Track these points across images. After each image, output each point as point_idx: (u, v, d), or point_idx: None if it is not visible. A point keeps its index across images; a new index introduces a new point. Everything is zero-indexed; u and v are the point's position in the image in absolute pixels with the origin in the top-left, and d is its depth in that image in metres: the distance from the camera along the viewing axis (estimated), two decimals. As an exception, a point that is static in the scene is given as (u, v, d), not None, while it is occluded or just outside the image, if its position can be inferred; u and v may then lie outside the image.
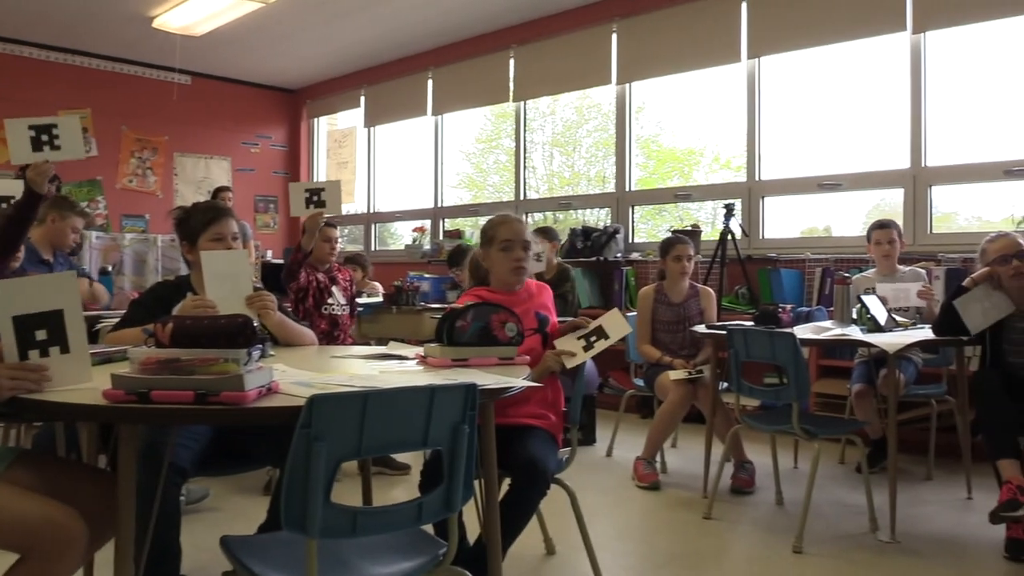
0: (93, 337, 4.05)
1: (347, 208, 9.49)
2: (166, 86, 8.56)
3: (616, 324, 2.57)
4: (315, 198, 3.78)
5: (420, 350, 2.37)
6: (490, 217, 2.85)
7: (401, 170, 9.10)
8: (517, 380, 1.96)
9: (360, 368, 2.15)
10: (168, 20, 7.11)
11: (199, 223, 2.70)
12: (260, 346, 1.64)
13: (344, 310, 4.25)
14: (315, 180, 9.75)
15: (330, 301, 4.16)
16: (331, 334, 4.15)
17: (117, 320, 2.64)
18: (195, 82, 8.81)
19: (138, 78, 8.50)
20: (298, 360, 2.29)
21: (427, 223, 8.36)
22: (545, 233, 5.06)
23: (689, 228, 5.78)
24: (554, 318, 2.79)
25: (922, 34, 4.99)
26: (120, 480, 1.61)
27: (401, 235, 9.25)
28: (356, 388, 1.59)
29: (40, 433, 3.28)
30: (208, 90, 8.92)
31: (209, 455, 2.43)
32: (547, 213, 7.70)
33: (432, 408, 1.62)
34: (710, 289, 4.48)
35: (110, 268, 5.99)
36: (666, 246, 4.42)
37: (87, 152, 7.10)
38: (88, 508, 1.71)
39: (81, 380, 1.68)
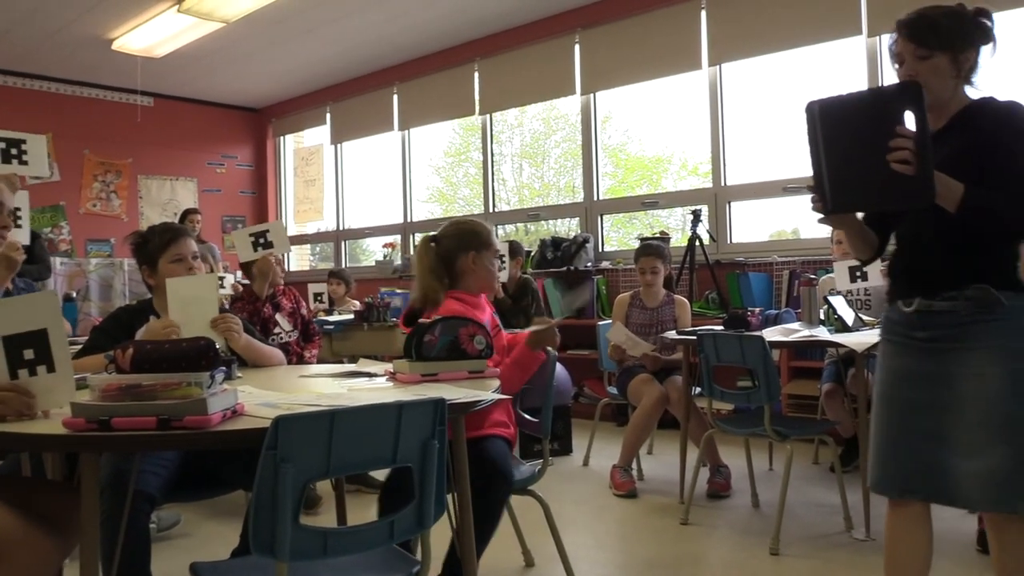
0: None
1: (316, 226, 9.45)
2: (128, 108, 8.47)
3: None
4: (262, 240, 3.76)
5: (390, 366, 2.36)
6: (471, 219, 2.78)
7: (370, 186, 9.08)
8: (487, 393, 1.95)
9: (328, 387, 2.13)
10: (127, 42, 7.04)
11: (157, 246, 2.69)
12: (224, 368, 1.62)
13: (292, 335, 4.14)
14: (283, 198, 9.69)
15: (276, 331, 4.07)
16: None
17: (79, 348, 2.60)
18: (158, 103, 8.73)
19: (99, 101, 8.41)
20: (265, 381, 2.27)
21: (397, 238, 8.34)
22: (514, 249, 5.11)
23: (658, 235, 5.81)
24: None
25: (877, 37, 5.07)
26: (83, 509, 1.58)
27: (373, 251, 9.22)
28: (322, 407, 1.57)
29: (5, 462, 3.22)
30: (171, 111, 8.84)
31: (178, 481, 2.40)
32: (517, 225, 7.71)
33: (400, 425, 1.61)
34: (684, 299, 4.51)
35: (75, 294, 5.90)
36: (635, 257, 4.48)
37: (50, 176, 7.01)
38: (56, 520, 1.70)
39: (67, 399, 1.64)
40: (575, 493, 4.07)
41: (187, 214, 7.16)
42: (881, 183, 1.82)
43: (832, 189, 1.89)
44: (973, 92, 2.03)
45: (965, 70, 1.99)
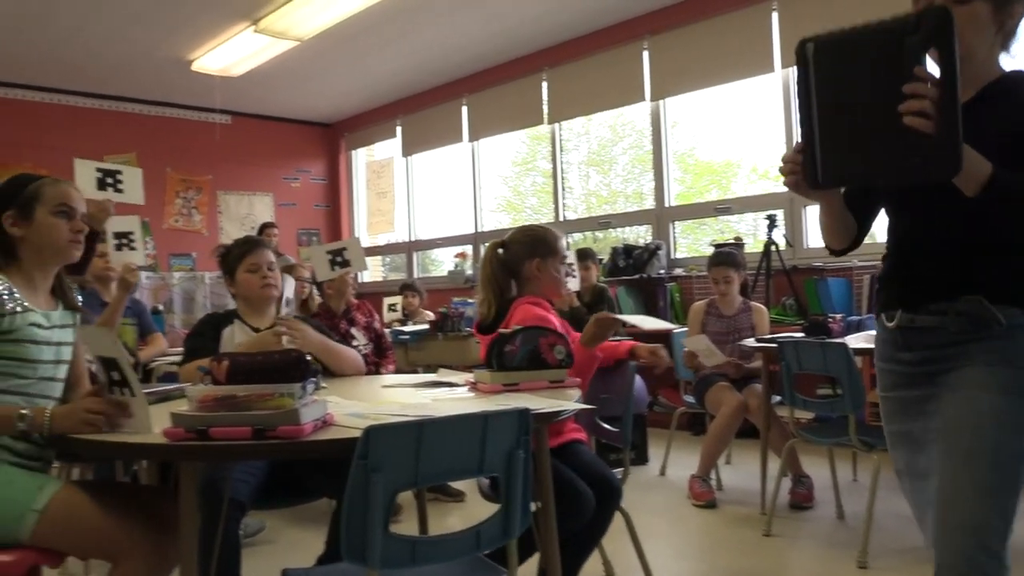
0: (148, 376, 4.14)
1: (387, 238, 9.58)
2: (208, 127, 8.76)
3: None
4: (338, 258, 3.84)
5: (470, 376, 2.38)
6: (539, 225, 2.79)
7: (439, 197, 9.18)
8: (571, 403, 1.95)
9: (411, 397, 2.16)
10: (206, 63, 7.28)
11: (235, 256, 2.86)
12: (314, 380, 1.66)
13: (367, 348, 4.23)
14: (355, 210, 9.87)
15: (354, 344, 4.16)
16: None
17: (179, 356, 2.72)
18: (235, 121, 9.00)
19: (180, 120, 8.71)
20: (349, 391, 2.31)
21: (468, 248, 8.40)
22: (588, 256, 5.10)
23: (732, 242, 5.72)
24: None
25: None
26: (182, 517, 1.63)
27: (441, 261, 9.31)
28: (410, 417, 1.59)
29: (99, 468, 3.36)
30: (248, 128, 9.11)
31: (265, 488, 2.47)
32: (586, 233, 7.69)
33: (486, 435, 1.62)
34: (762, 306, 4.43)
35: (160, 307, 6.11)
36: (707, 267, 4.42)
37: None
38: (161, 527, 1.79)
39: (144, 429, 1.68)
40: (653, 503, 4.03)
41: (264, 228, 7.36)
42: (889, 148, 1.36)
43: (824, 155, 1.44)
44: (1007, 63, 1.65)
45: (1008, 28, 1.60)
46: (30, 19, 6.23)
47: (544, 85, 7.42)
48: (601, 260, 6.38)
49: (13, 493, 1.74)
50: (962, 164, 1.32)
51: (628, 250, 6.37)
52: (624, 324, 2.53)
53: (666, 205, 6.68)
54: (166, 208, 8.56)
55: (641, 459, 4.88)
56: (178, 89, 8.11)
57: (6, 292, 1.85)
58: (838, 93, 1.41)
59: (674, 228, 6.70)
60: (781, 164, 1.55)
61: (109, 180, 2.91)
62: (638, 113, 7.43)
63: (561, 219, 7.67)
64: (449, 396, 2.15)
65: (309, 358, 1.70)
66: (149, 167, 8.34)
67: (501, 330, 2.28)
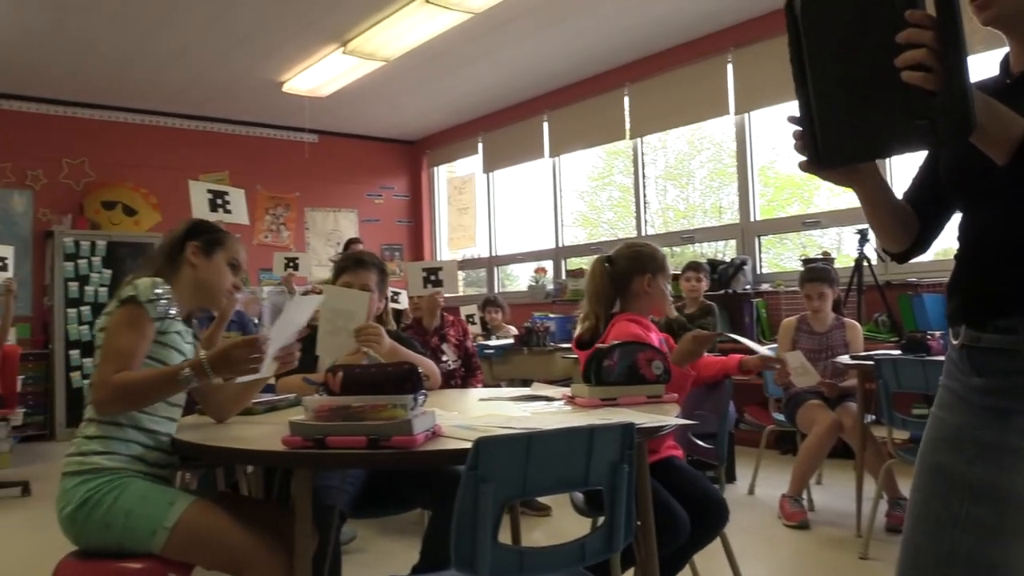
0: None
1: (468, 252, 9.70)
2: (296, 145, 9.04)
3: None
4: (432, 277, 3.91)
5: (566, 390, 2.40)
6: (646, 242, 2.82)
7: (519, 212, 9.24)
8: (672, 418, 1.95)
9: (510, 410, 2.19)
10: (297, 84, 7.53)
11: (336, 272, 2.96)
12: (425, 392, 1.70)
13: (456, 364, 4.31)
14: (437, 226, 10.02)
15: (444, 360, 4.24)
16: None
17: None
18: (322, 140, 9.27)
19: (270, 140, 9.01)
20: (448, 404, 2.36)
21: (548, 263, 8.43)
22: (699, 268, 5.08)
23: (821, 257, 5.61)
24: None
25: None
26: (297, 525, 1.70)
27: (517, 276, 9.37)
28: (519, 430, 1.62)
29: (203, 479, 3.49)
30: (334, 147, 9.37)
31: (362, 498, 2.52)
32: (663, 248, 7.64)
33: (592, 448, 1.64)
34: (855, 323, 4.33)
35: (255, 320, 6.31)
36: (800, 283, 4.34)
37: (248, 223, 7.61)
38: (279, 537, 1.86)
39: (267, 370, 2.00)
40: (743, 522, 3.96)
41: (349, 243, 7.52)
42: (891, 111, 1.12)
43: (823, 129, 1.21)
44: None
45: None
46: (133, 48, 6.56)
47: (626, 100, 7.42)
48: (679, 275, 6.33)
49: (147, 509, 1.81)
50: (973, 121, 1.06)
51: (713, 265, 6.30)
52: (717, 341, 2.53)
53: (751, 219, 6.59)
54: (256, 224, 8.85)
55: (729, 477, 4.81)
56: (269, 110, 8.40)
57: (168, 297, 2.00)
58: (832, 54, 1.19)
59: (759, 243, 6.60)
60: (793, 141, 1.27)
61: (219, 201, 3.07)
62: (717, 126, 7.36)
63: (643, 234, 7.63)
64: (547, 410, 2.18)
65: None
66: (240, 185, 8.66)
67: (599, 345, 2.29)
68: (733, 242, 6.86)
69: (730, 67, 6.55)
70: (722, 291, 6.09)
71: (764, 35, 6.25)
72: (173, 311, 2.02)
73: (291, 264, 6.18)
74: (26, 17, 5.88)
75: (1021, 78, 1.32)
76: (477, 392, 2.84)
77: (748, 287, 6.11)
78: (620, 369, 2.21)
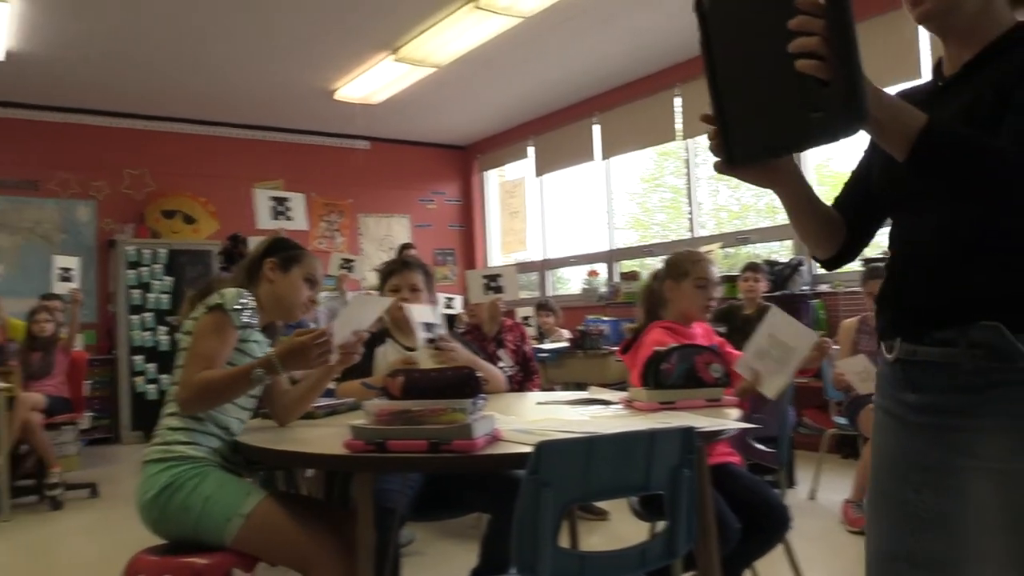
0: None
1: (520, 256, 9.71)
2: (348, 152, 9.17)
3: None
4: (493, 284, 3.94)
5: (624, 394, 2.38)
6: (683, 250, 2.86)
7: (569, 215, 9.23)
8: (732, 422, 1.92)
9: (568, 414, 2.18)
10: (348, 92, 7.63)
11: (383, 276, 3.00)
12: (484, 396, 1.71)
13: (513, 369, 4.31)
14: (488, 231, 10.06)
15: (500, 365, 4.24)
16: None
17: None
18: (374, 146, 9.38)
19: (323, 147, 9.15)
20: (505, 407, 2.36)
21: (598, 266, 8.40)
22: (758, 269, 5.02)
23: (880, 256, 5.48)
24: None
25: None
26: (359, 527, 1.72)
27: (567, 279, 9.35)
28: (579, 434, 1.62)
29: (263, 483, 3.56)
30: (386, 153, 9.47)
31: (420, 501, 2.54)
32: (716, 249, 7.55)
33: (652, 452, 1.62)
34: None
35: (312, 324, 6.41)
36: (861, 280, 4.26)
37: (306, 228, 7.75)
38: (340, 540, 1.89)
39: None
40: (804, 528, 3.88)
41: (402, 249, 7.59)
42: (789, 103, 1.08)
43: (733, 126, 1.18)
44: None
45: None
46: (188, 59, 6.73)
47: (677, 101, 7.36)
48: (736, 276, 6.25)
49: (225, 496, 1.90)
50: (864, 112, 1.02)
51: (770, 265, 6.21)
52: None
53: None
54: (311, 231, 8.99)
55: (789, 482, 4.72)
56: (322, 118, 8.53)
57: (250, 307, 2.10)
58: (737, 50, 1.15)
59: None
60: (708, 141, 1.22)
61: (280, 208, 3.14)
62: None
63: (695, 235, 7.56)
64: (605, 414, 2.17)
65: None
66: (295, 192, 8.85)
67: (657, 348, 2.28)
68: (789, 242, 6.75)
69: (679, 100, 6.46)
70: (779, 292, 6.00)
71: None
72: (254, 320, 2.13)
73: (346, 265, 6.27)
74: (88, 34, 6.06)
75: (951, 81, 1.28)
76: (534, 396, 2.84)
77: (806, 288, 6.01)
78: (678, 372, 2.19)
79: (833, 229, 1.40)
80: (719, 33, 1.17)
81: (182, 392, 1.98)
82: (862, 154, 1.47)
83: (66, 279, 5.64)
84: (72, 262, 5.63)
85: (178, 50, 6.53)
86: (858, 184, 1.43)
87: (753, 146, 1.18)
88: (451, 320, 5.65)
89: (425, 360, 2.61)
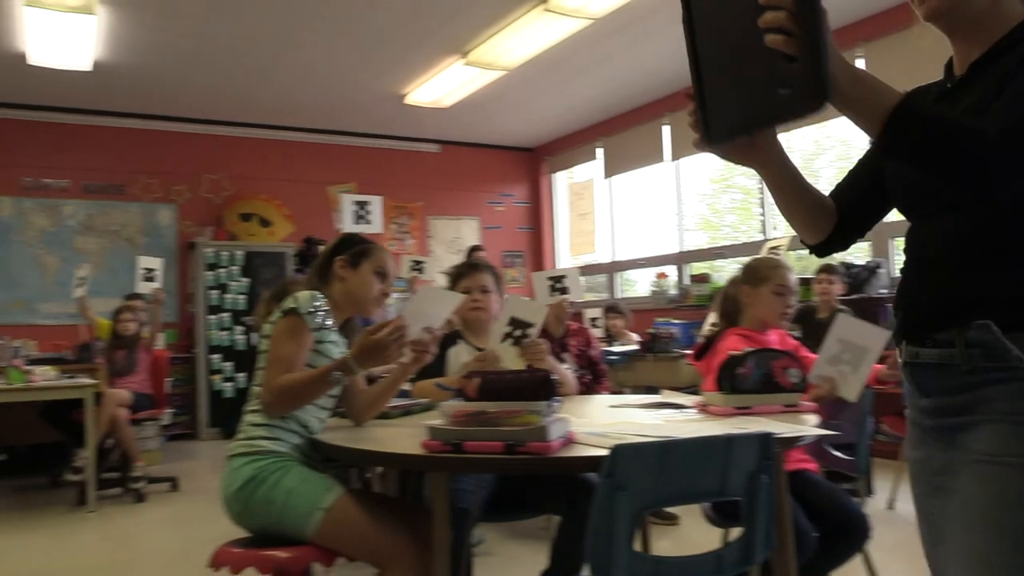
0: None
1: (588, 258, 9.68)
2: (419, 156, 9.29)
3: None
4: (558, 285, 3.95)
5: (698, 398, 2.36)
6: (760, 256, 2.84)
7: (638, 217, 9.16)
8: (811, 428, 1.89)
9: (642, 417, 2.17)
10: (419, 96, 7.72)
11: (453, 279, 3.02)
12: (559, 398, 1.71)
13: (578, 372, 4.29)
14: (556, 233, 10.06)
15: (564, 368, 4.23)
16: None
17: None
18: (444, 149, 9.48)
19: (394, 151, 9.28)
20: (578, 410, 2.36)
21: (668, 268, 8.32)
22: (832, 271, 4.92)
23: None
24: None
25: None
26: (435, 526, 1.74)
27: (634, 281, 9.28)
28: (655, 438, 1.61)
29: (335, 475, 3.64)
30: (455, 156, 9.56)
31: (491, 502, 2.56)
32: (790, 252, 7.40)
33: (729, 457, 1.61)
34: None
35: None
36: None
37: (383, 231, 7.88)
38: (418, 546, 1.91)
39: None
40: (883, 539, 3.77)
41: (472, 251, 7.64)
42: (760, 81, 1.07)
43: (710, 103, 1.19)
44: None
45: None
46: (265, 68, 6.91)
47: (860, 62, 7.18)
48: (810, 280, 6.12)
49: (307, 490, 1.95)
50: (826, 90, 1.00)
51: (846, 268, 6.05)
52: None
53: (883, 220, 6.28)
54: (382, 234, 9.13)
55: (867, 490, 4.60)
56: (393, 122, 8.65)
57: (324, 309, 2.14)
58: (715, 28, 1.17)
59: (893, 245, 6.30)
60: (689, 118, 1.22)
61: (361, 212, 3.22)
62: (844, 124, 7.06)
63: (767, 236, 7.42)
64: (679, 418, 2.15)
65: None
66: (374, 196, 9.00)
67: (732, 352, 2.25)
68: (865, 244, 6.58)
69: (862, 62, 6.28)
70: (855, 295, 5.85)
71: (893, 29, 5.99)
72: (329, 322, 2.16)
73: (417, 267, 6.35)
74: (169, 45, 6.28)
75: (962, 80, 1.24)
76: (606, 399, 2.84)
77: (884, 291, 5.84)
78: (755, 377, 2.17)
79: (821, 215, 1.39)
80: (700, 11, 1.19)
81: (264, 396, 2.04)
82: (869, 147, 1.44)
83: (150, 279, 5.84)
84: (156, 263, 5.84)
85: (255, 60, 6.71)
86: (861, 177, 1.43)
87: (727, 124, 1.19)
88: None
89: (508, 356, 2.61)
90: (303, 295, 2.12)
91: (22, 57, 6.26)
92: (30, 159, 7.68)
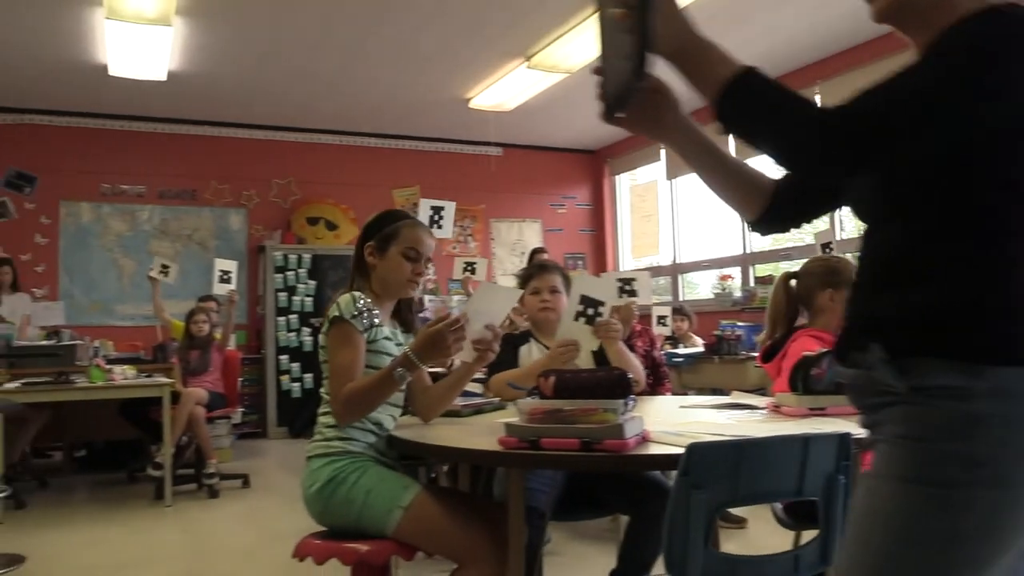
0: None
1: (652, 260, 9.63)
2: (482, 159, 9.37)
3: None
4: (627, 288, 3.96)
5: (770, 399, 2.35)
6: (834, 256, 2.78)
7: (702, 218, 9.07)
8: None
9: (714, 417, 2.17)
10: (482, 100, 7.79)
11: (523, 280, 3.03)
12: (634, 397, 1.73)
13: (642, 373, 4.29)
14: (619, 235, 10.04)
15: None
16: None
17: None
18: (506, 152, 9.54)
19: (457, 155, 9.38)
20: (649, 410, 2.37)
21: (732, 270, 8.23)
22: None
23: None
24: None
25: None
26: (511, 522, 1.77)
27: (696, 284, 9.19)
28: (731, 437, 1.62)
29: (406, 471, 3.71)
30: (518, 159, 9.61)
31: (561, 501, 2.58)
32: (855, 253, 7.25)
33: (807, 458, 1.60)
34: None
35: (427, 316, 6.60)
36: None
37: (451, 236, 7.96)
38: (495, 543, 1.94)
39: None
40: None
41: (534, 253, 7.68)
42: (620, 53, 1.12)
43: (604, 79, 1.24)
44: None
45: None
46: (331, 76, 7.08)
47: (817, 99, 7.10)
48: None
49: (386, 489, 1.99)
50: (642, 72, 1.05)
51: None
52: None
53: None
54: (448, 238, 9.23)
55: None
56: (456, 126, 8.75)
57: (368, 308, 2.13)
58: (611, 4, 1.19)
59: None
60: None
61: (436, 217, 3.28)
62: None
63: (837, 238, 7.28)
64: (752, 418, 2.14)
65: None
66: (430, 198, 9.11)
67: (806, 353, 2.23)
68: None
69: (819, 99, 6.12)
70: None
71: (847, 68, 5.87)
72: (377, 319, 2.15)
73: (469, 268, 6.40)
74: (239, 53, 6.46)
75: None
76: (677, 399, 2.84)
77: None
78: (829, 378, 2.14)
79: (748, 192, 1.37)
80: None
81: (334, 407, 2.05)
82: None
83: (226, 280, 6.03)
84: (231, 265, 6.03)
85: (322, 68, 6.87)
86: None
87: (611, 98, 1.24)
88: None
89: (581, 335, 2.63)
90: (344, 300, 2.10)
91: (104, 69, 6.52)
92: (109, 166, 7.99)
